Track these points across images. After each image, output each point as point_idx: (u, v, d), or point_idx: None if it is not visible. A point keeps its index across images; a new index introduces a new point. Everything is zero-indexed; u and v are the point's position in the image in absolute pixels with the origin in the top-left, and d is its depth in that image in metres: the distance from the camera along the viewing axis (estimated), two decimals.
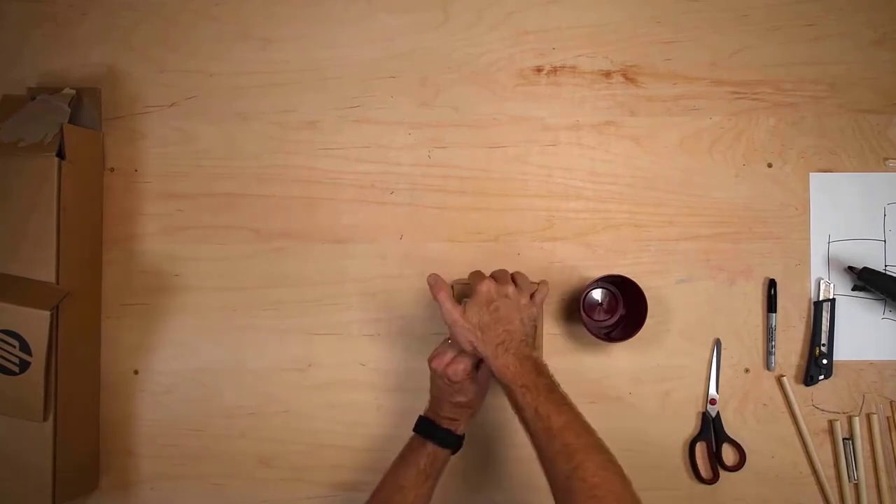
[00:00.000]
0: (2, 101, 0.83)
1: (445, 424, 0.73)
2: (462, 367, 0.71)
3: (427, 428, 0.74)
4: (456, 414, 0.74)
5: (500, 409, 0.84)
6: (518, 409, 0.66)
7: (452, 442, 0.73)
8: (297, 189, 0.86)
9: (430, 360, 0.73)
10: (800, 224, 0.85)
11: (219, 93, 0.87)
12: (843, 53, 0.86)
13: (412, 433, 0.75)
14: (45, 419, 0.75)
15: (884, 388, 0.83)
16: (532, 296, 0.73)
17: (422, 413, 0.76)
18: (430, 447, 0.72)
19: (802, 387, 0.84)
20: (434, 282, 0.72)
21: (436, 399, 0.75)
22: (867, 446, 0.83)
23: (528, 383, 0.66)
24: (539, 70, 0.87)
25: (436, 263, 0.85)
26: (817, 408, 0.84)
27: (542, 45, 0.87)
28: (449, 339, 0.74)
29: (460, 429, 0.74)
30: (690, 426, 0.84)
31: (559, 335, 0.85)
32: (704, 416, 0.84)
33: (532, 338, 0.72)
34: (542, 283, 0.75)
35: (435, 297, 0.71)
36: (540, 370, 0.68)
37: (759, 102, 0.86)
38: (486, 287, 0.70)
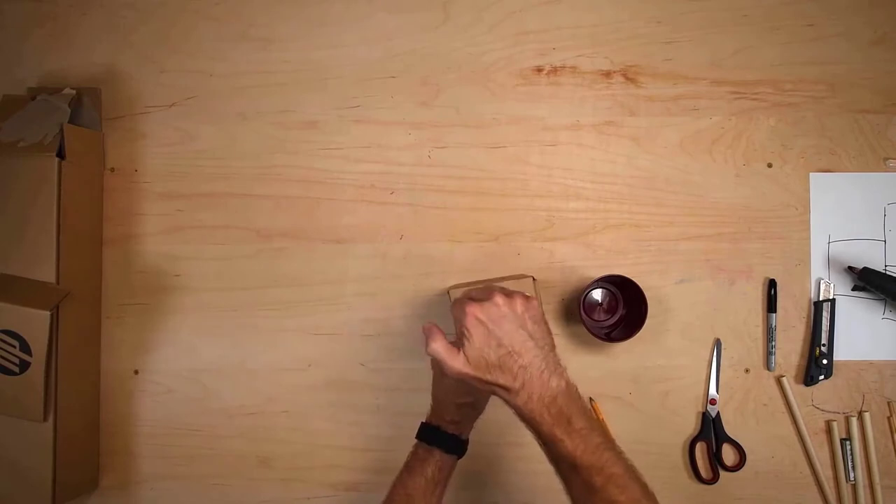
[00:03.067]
0: (2, 101, 0.83)
1: (451, 430, 0.69)
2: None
3: (432, 435, 0.70)
4: (461, 416, 0.70)
5: (499, 407, 0.84)
6: (553, 460, 0.58)
7: (459, 447, 0.70)
8: (297, 189, 0.86)
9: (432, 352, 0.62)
10: (800, 224, 0.85)
11: (219, 93, 0.87)
12: (843, 53, 0.86)
13: (416, 441, 0.71)
14: (45, 419, 0.75)
15: (884, 388, 0.83)
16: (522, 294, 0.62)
17: (423, 420, 0.72)
18: (437, 454, 0.68)
19: (802, 387, 0.84)
20: (427, 331, 0.61)
21: (439, 402, 0.71)
22: (868, 446, 0.83)
23: (563, 437, 0.56)
24: (539, 70, 0.87)
25: (436, 263, 0.85)
26: (817, 408, 0.84)
27: (543, 45, 0.87)
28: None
29: (465, 432, 0.71)
30: (690, 426, 0.84)
31: (559, 335, 0.85)
32: (704, 416, 0.84)
33: (551, 346, 0.60)
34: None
35: (427, 349, 0.60)
36: (574, 410, 0.57)
37: (759, 102, 0.86)
38: (472, 315, 0.58)
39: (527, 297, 0.61)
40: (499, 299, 0.59)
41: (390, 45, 0.87)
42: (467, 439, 0.72)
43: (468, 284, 0.80)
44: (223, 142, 0.87)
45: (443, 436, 0.69)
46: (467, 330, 0.59)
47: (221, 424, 0.85)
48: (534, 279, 0.78)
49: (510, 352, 0.58)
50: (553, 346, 0.60)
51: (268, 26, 0.87)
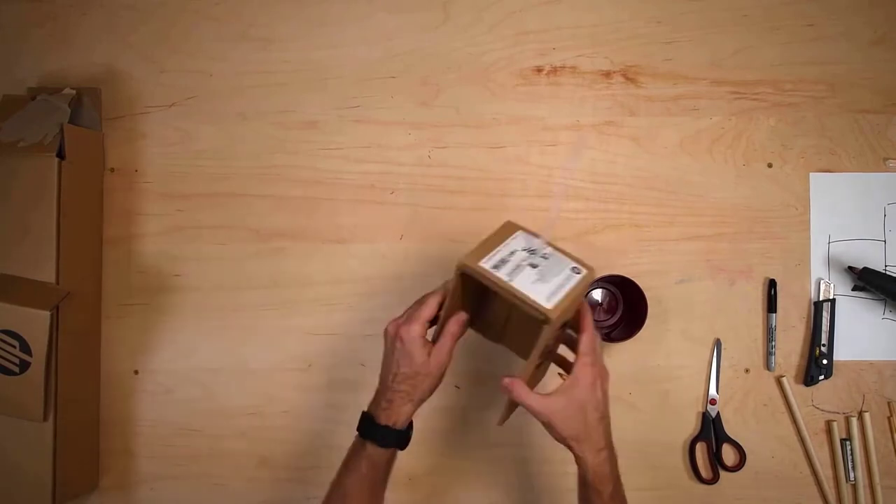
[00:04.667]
0: (2, 101, 0.83)
1: (383, 420, 0.64)
2: (417, 327, 0.63)
3: (365, 426, 0.65)
4: (398, 395, 0.64)
5: (499, 408, 0.84)
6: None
7: (392, 439, 0.64)
8: (297, 189, 0.86)
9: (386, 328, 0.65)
10: (800, 224, 0.85)
11: (219, 93, 0.87)
12: (843, 53, 0.86)
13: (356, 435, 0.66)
14: (45, 419, 0.75)
15: (884, 388, 0.83)
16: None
17: (364, 409, 0.67)
18: (369, 448, 0.64)
19: (802, 387, 0.84)
20: (510, 386, 0.62)
21: (381, 380, 0.66)
22: (868, 446, 0.83)
23: (608, 489, 0.62)
24: (539, 70, 0.87)
25: (436, 263, 0.85)
26: (817, 408, 0.84)
27: (543, 45, 0.87)
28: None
29: (401, 419, 0.64)
30: (690, 426, 0.84)
31: None
32: (704, 416, 0.84)
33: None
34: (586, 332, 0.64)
35: (517, 400, 0.62)
36: (615, 468, 0.63)
37: (759, 102, 0.86)
38: (595, 377, 0.62)
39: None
40: (605, 372, 0.64)
41: (390, 45, 0.87)
42: (406, 430, 0.66)
43: (482, 246, 0.64)
44: (223, 142, 0.87)
45: (376, 427, 0.64)
46: (585, 385, 0.62)
47: (221, 424, 0.85)
48: (593, 270, 0.65)
49: (605, 414, 0.63)
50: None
51: (268, 26, 0.88)
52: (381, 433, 0.64)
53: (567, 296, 0.59)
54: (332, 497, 0.65)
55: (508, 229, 0.64)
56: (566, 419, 0.61)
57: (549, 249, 0.63)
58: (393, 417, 0.64)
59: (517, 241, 0.63)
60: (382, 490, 0.66)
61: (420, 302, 0.66)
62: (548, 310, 0.57)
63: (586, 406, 0.61)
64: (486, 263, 0.60)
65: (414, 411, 0.65)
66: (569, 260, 0.63)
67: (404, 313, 0.66)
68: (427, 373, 0.64)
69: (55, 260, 0.76)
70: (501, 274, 0.59)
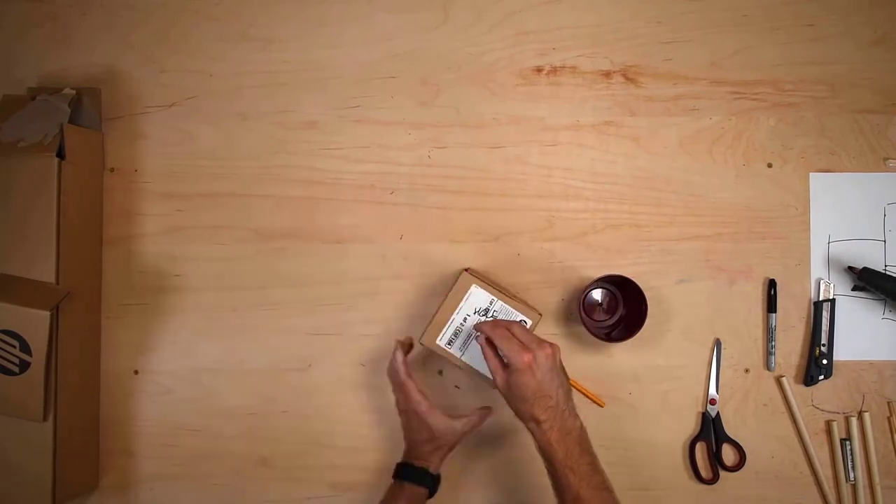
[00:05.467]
0: (2, 101, 0.83)
1: (419, 464, 0.75)
2: (424, 405, 0.74)
3: (403, 471, 0.75)
4: (426, 453, 0.75)
5: (500, 408, 0.84)
6: (558, 487, 0.67)
7: (427, 480, 0.74)
8: (297, 189, 0.86)
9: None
10: (800, 224, 0.85)
11: (219, 93, 0.87)
12: (843, 53, 0.86)
13: (391, 481, 0.76)
14: (45, 419, 0.75)
15: (884, 388, 0.83)
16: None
17: (398, 461, 0.77)
18: (407, 488, 0.73)
19: (802, 387, 0.84)
20: (483, 345, 0.71)
21: (407, 441, 0.77)
22: (868, 446, 0.83)
23: (572, 464, 0.66)
24: (539, 70, 0.87)
25: (436, 263, 0.85)
26: (817, 408, 0.84)
27: (542, 45, 0.87)
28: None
29: (434, 466, 0.75)
30: (690, 426, 0.84)
31: (559, 335, 0.85)
32: (704, 416, 0.84)
33: (568, 391, 0.70)
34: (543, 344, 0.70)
35: (483, 350, 0.71)
36: (584, 446, 0.68)
37: (759, 102, 0.86)
38: (526, 356, 0.67)
39: (557, 348, 0.70)
40: (549, 349, 0.68)
41: (390, 45, 0.87)
42: (438, 475, 0.76)
43: (487, 282, 0.78)
44: (223, 142, 0.87)
45: (412, 469, 0.74)
46: (518, 364, 0.67)
47: (221, 424, 0.85)
48: (540, 316, 0.77)
49: (545, 394, 0.67)
50: (570, 391, 0.70)
51: (268, 26, 0.87)
52: (416, 474, 0.74)
53: None
54: None
55: (464, 284, 0.76)
56: (509, 399, 0.70)
57: (499, 305, 0.76)
58: (428, 464, 0.75)
59: (471, 302, 0.76)
60: None
61: (397, 376, 0.76)
62: (496, 382, 0.70)
63: (519, 387, 0.68)
64: (442, 340, 0.76)
65: (444, 457, 0.76)
66: (517, 312, 0.76)
67: (399, 387, 0.76)
68: (447, 431, 0.74)
69: (55, 260, 0.76)
70: (454, 350, 0.76)
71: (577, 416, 0.69)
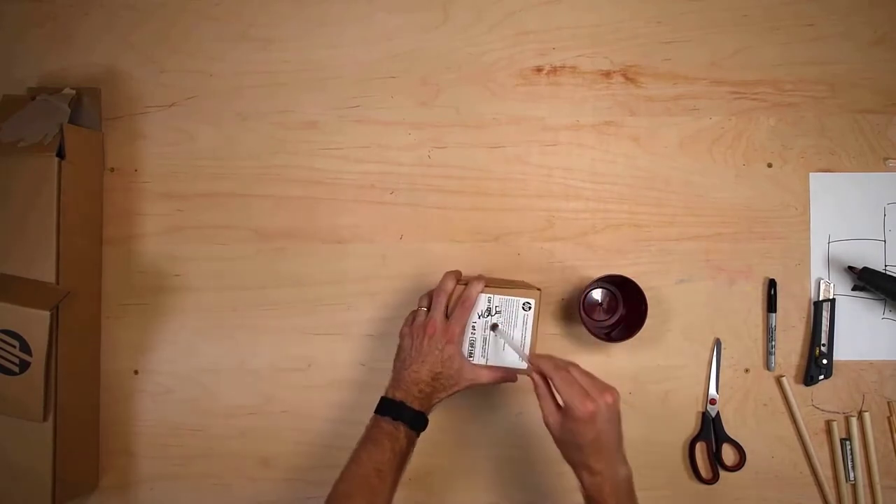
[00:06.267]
0: (2, 101, 0.83)
1: (416, 405, 0.70)
2: (458, 330, 0.72)
3: (398, 410, 0.70)
4: (432, 388, 0.71)
5: (500, 408, 0.84)
6: None
7: (422, 423, 0.71)
8: (297, 189, 0.86)
9: (421, 327, 0.73)
10: (800, 224, 0.85)
11: (219, 93, 0.87)
12: (843, 53, 0.86)
13: (377, 415, 0.71)
14: (45, 419, 0.75)
15: (884, 388, 0.83)
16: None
17: (385, 395, 0.72)
18: (403, 430, 0.69)
19: (802, 387, 0.84)
20: (537, 382, 0.67)
21: (410, 374, 0.71)
22: (868, 446, 0.83)
23: None
24: (539, 70, 0.87)
25: (436, 263, 0.85)
26: (817, 408, 0.84)
27: (543, 45, 0.87)
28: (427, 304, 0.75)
29: (428, 409, 0.71)
30: (690, 426, 0.84)
31: (559, 335, 0.85)
32: (704, 415, 0.84)
33: (620, 438, 0.65)
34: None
35: (537, 391, 0.67)
36: (632, 496, 0.64)
37: (759, 102, 0.86)
38: (588, 404, 0.62)
39: (618, 395, 0.64)
40: (611, 398, 0.63)
41: (390, 45, 0.87)
42: (427, 416, 0.72)
43: (492, 281, 0.77)
44: (223, 142, 0.87)
45: (409, 412, 0.70)
46: (580, 414, 0.62)
47: (221, 424, 0.85)
48: (540, 291, 0.75)
49: (603, 446, 0.63)
50: (622, 438, 0.65)
51: (268, 26, 0.87)
52: (414, 417, 0.70)
53: (532, 334, 0.74)
54: (363, 471, 0.67)
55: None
56: (560, 443, 0.65)
57: (497, 300, 0.74)
58: (426, 405, 0.71)
59: (475, 307, 0.74)
60: (400, 476, 0.69)
61: (442, 296, 0.73)
62: (526, 368, 0.72)
63: (575, 435, 0.63)
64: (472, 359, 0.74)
65: (438, 402, 0.72)
66: (517, 299, 0.74)
67: (431, 306, 0.73)
68: (463, 378, 0.72)
69: (55, 260, 0.76)
70: (476, 360, 0.74)
71: (627, 464, 0.65)
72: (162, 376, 0.86)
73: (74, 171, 0.78)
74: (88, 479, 0.83)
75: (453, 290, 0.74)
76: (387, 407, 0.71)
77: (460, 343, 0.73)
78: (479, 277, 0.75)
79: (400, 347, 0.75)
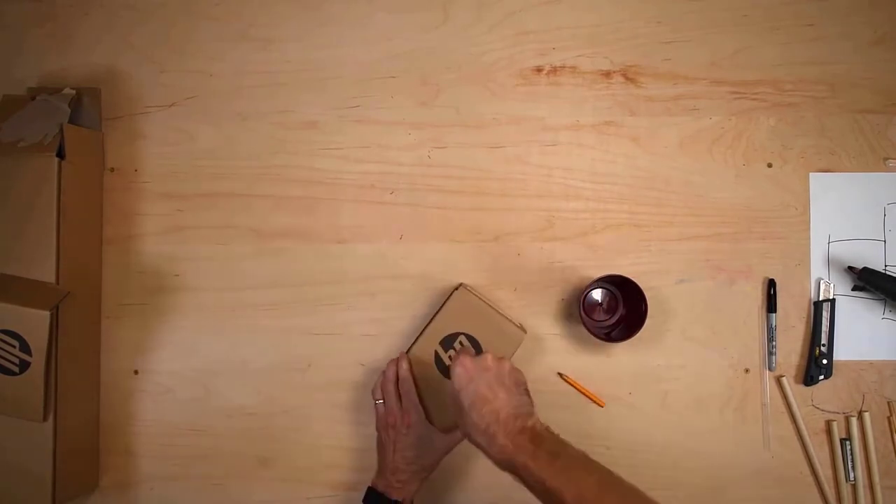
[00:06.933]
0: (2, 101, 0.83)
1: (395, 495, 0.73)
2: (415, 415, 0.75)
3: (377, 501, 0.73)
4: (406, 478, 0.73)
5: None
6: (531, 490, 0.62)
7: None
8: (297, 189, 0.86)
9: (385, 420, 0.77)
10: (800, 224, 0.85)
11: (219, 93, 0.87)
12: (843, 53, 0.86)
13: None
14: (45, 419, 0.75)
15: (884, 388, 0.83)
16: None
17: (370, 484, 0.75)
18: None
19: (802, 387, 0.84)
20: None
21: (388, 463, 0.75)
22: (868, 446, 0.83)
23: (527, 461, 0.60)
24: (539, 70, 0.87)
25: (436, 263, 0.85)
26: (817, 408, 0.84)
27: (543, 45, 0.87)
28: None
29: (410, 494, 0.74)
30: (690, 426, 0.84)
31: (559, 335, 0.85)
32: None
33: (529, 405, 0.66)
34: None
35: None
36: (537, 440, 0.62)
37: (759, 102, 0.86)
38: (460, 369, 0.67)
39: (514, 367, 0.69)
40: (488, 358, 0.68)
41: (390, 45, 0.87)
42: (412, 502, 0.75)
43: (481, 299, 0.79)
44: (223, 142, 0.87)
45: (387, 502, 0.73)
46: (453, 375, 0.67)
47: (221, 424, 0.85)
48: (524, 333, 0.79)
49: (481, 397, 0.65)
50: (526, 393, 0.68)
51: (268, 26, 0.87)
52: None
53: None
54: None
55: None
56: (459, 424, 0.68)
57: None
58: (405, 493, 0.73)
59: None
60: None
61: (388, 385, 0.77)
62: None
63: (455, 399, 0.67)
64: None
65: (422, 484, 0.75)
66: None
67: (384, 397, 0.77)
68: (435, 456, 0.75)
69: (55, 260, 0.76)
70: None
71: (530, 417, 0.64)
72: (162, 376, 0.86)
73: (74, 171, 0.79)
74: (88, 479, 0.83)
75: (396, 374, 0.77)
76: (371, 499, 0.74)
77: (422, 421, 0.75)
78: (401, 356, 0.78)
79: (377, 441, 0.78)
